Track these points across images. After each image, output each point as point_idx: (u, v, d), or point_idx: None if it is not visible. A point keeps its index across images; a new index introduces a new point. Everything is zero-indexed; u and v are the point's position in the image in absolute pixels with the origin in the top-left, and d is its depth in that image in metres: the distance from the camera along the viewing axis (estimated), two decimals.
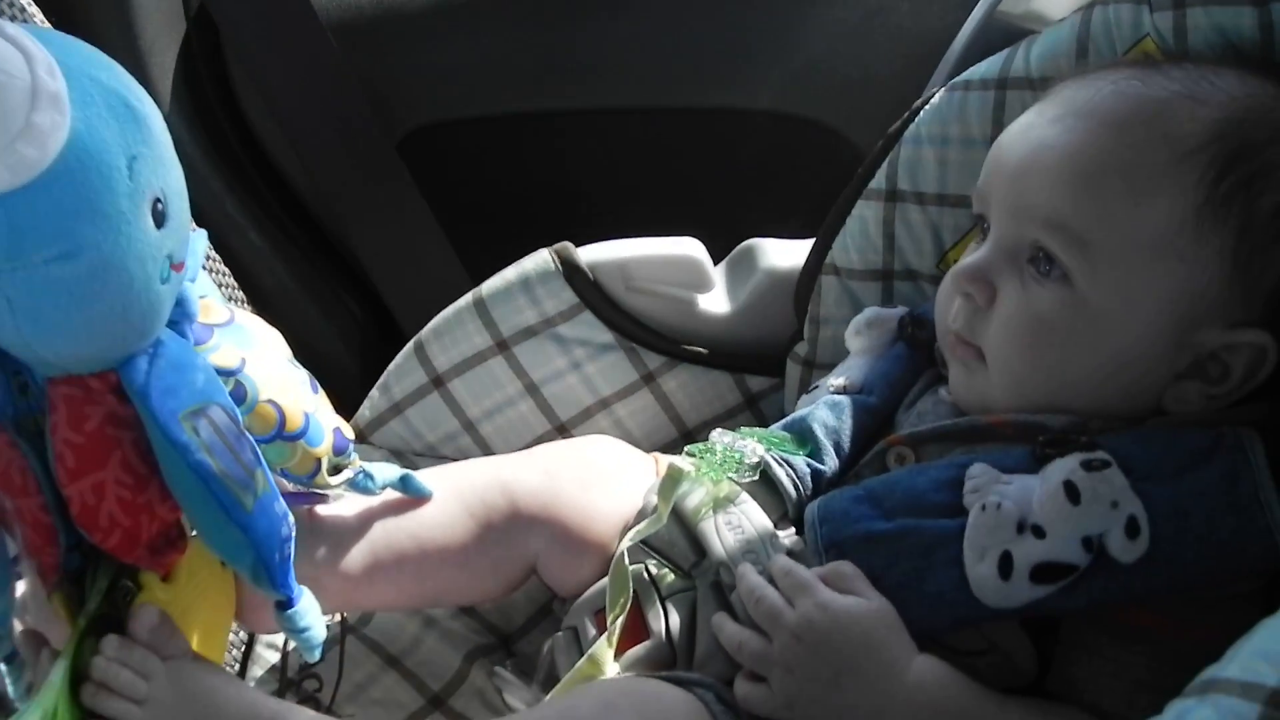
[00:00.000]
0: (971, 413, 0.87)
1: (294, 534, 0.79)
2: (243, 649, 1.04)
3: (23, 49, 0.63)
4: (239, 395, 0.78)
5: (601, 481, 0.97)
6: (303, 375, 0.85)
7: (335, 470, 0.87)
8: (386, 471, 0.91)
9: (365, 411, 1.14)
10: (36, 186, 0.63)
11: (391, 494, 0.93)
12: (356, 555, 0.91)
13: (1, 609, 0.78)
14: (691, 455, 0.90)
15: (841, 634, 0.77)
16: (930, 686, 0.76)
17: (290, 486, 0.86)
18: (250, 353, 0.80)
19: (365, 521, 0.92)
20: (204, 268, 0.85)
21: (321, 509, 0.91)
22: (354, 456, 0.88)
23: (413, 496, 0.93)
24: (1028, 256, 0.83)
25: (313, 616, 0.82)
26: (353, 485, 0.89)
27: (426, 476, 0.95)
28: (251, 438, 0.76)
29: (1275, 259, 0.78)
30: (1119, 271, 0.79)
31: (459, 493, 0.95)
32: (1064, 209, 0.80)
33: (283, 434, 0.80)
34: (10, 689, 0.81)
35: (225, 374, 0.78)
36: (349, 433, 0.88)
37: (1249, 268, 0.78)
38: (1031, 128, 0.85)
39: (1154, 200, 0.78)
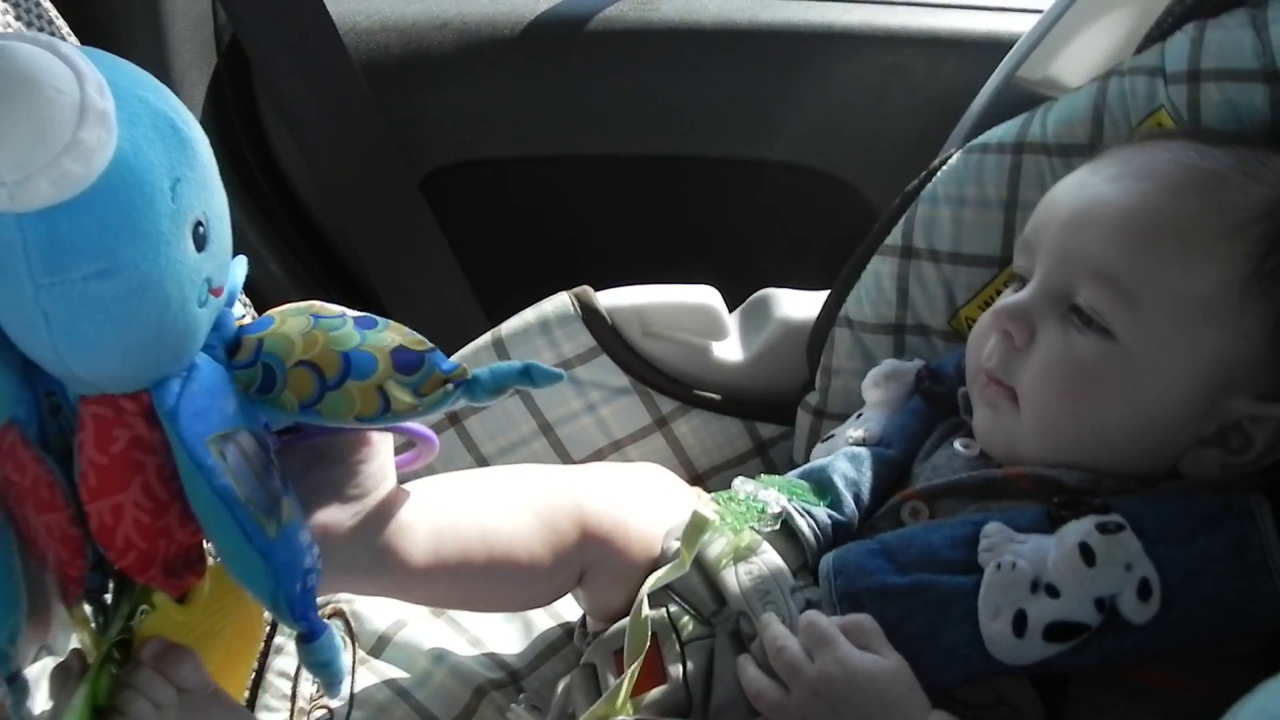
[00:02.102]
0: (996, 455, 0.88)
1: (318, 566, 0.79)
2: (251, 678, 1.04)
3: (74, 67, 0.62)
4: (269, 382, 0.76)
5: (655, 507, 0.97)
6: (337, 309, 0.80)
7: (425, 391, 0.79)
8: (497, 372, 0.80)
9: None
10: (80, 203, 0.63)
11: (457, 487, 0.91)
12: (422, 542, 0.86)
13: (11, 626, 0.78)
14: (715, 503, 0.90)
15: (858, 692, 0.77)
16: None
17: (409, 424, 0.81)
18: (264, 332, 0.78)
19: (432, 511, 0.88)
20: None
21: (394, 494, 0.87)
22: (443, 370, 0.79)
23: (542, 386, 0.80)
24: (1070, 304, 0.84)
25: (334, 652, 0.82)
26: (451, 400, 0.80)
27: (498, 472, 0.90)
28: (278, 472, 0.77)
29: None
30: (1162, 330, 0.81)
31: (526, 494, 0.93)
32: (1116, 263, 0.82)
33: (327, 386, 0.77)
34: (11, 712, 0.80)
35: (245, 366, 0.77)
36: (420, 346, 0.80)
37: None
38: (1086, 184, 0.87)
39: (1204, 265, 0.80)
